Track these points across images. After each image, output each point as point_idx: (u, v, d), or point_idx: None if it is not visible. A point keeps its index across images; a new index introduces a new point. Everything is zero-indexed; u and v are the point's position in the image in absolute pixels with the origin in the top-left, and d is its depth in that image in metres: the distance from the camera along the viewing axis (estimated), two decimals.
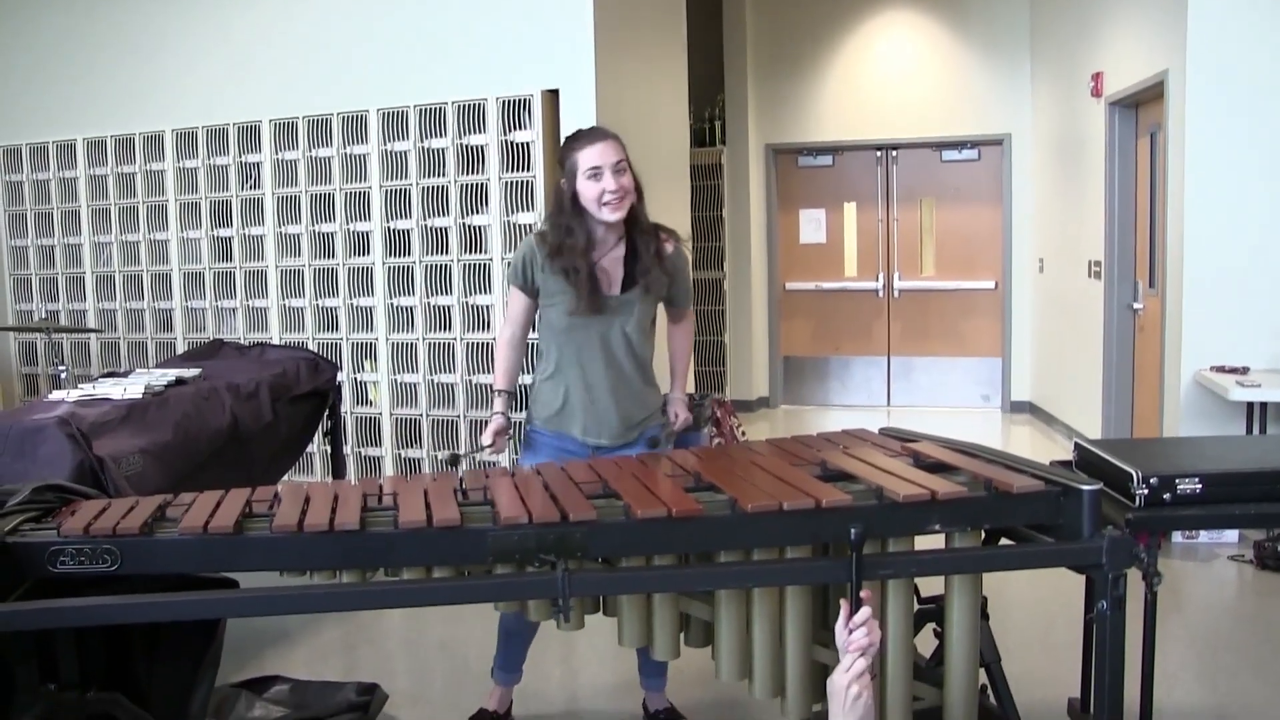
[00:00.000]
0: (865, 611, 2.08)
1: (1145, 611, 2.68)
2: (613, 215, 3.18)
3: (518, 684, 3.58)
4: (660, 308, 3.51)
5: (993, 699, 2.95)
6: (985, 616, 2.76)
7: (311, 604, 2.51)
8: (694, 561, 2.48)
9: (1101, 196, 6.94)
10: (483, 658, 4.13)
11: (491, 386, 3.55)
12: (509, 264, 3.43)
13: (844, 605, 2.10)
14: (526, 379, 3.88)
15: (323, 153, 6.32)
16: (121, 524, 2.33)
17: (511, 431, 3.46)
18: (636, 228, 3.28)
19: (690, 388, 3.63)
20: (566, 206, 3.23)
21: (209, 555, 2.34)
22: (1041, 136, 8.79)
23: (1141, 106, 6.59)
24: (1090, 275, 7.26)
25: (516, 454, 3.53)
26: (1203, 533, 5.39)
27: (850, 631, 2.06)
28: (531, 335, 3.60)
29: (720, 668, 2.55)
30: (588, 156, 3.16)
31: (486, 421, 3.41)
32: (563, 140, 3.35)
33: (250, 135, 6.49)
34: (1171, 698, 3.66)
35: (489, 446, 3.34)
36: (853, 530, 2.20)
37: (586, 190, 3.17)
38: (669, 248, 3.36)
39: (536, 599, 2.45)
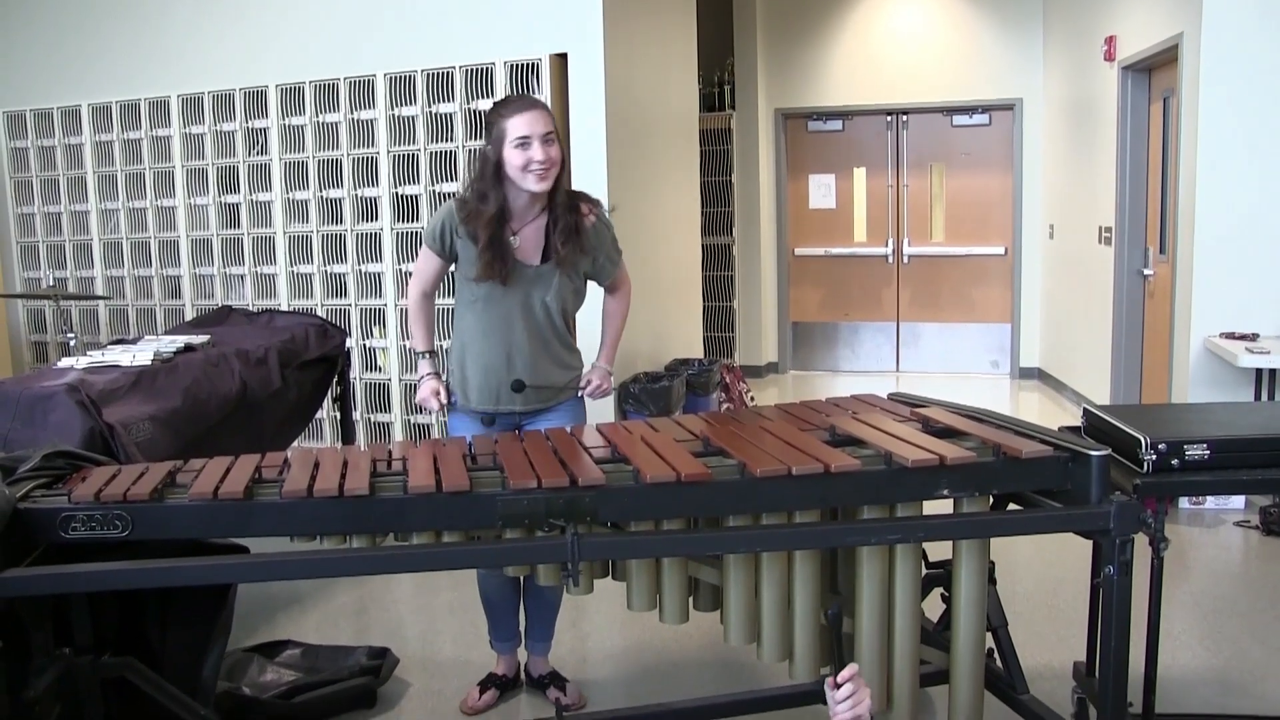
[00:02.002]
0: (851, 669, 2.09)
1: (1151, 576, 2.69)
2: (538, 185, 3.13)
3: (519, 646, 3.62)
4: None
5: (999, 663, 2.97)
6: (993, 581, 2.77)
7: (322, 569, 2.52)
8: (703, 526, 2.49)
9: (1113, 162, 6.90)
10: None
11: (414, 351, 3.53)
12: (426, 229, 3.39)
13: (829, 682, 2.10)
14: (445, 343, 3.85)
15: (330, 118, 6.30)
16: (132, 490, 2.34)
17: (442, 388, 3.41)
18: (556, 198, 3.23)
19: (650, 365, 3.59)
20: (488, 173, 3.17)
21: (219, 521, 2.35)
22: (1053, 101, 8.72)
23: (1155, 71, 6.53)
24: (1101, 241, 7.23)
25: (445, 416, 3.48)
26: (1209, 498, 5.40)
27: (837, 702, 2.07)
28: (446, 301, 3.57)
29: (729, 631, 2.57)
30: (517, 125, 3.09)
31: (415, 386, 3.40)
32: (491, 105, 3.30)
33: (257, 101, 6.47)
34: (1176, 661, 3.68)
35: (428, 409, 3.40)
36: (827, 611, 2.22)
37: (513, 158, 3.11)
38: (589, 220, 3.30)
39: (546, 563, 2.46)
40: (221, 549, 2.76)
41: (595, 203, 3.35)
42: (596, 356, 3.52)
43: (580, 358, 3.47)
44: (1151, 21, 6.22)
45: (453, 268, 3.39)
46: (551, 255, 3.24)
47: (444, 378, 3.43)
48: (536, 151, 3.08)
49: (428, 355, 3.44)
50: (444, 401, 3.36)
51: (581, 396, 3.45)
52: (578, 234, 3.24)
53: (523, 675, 3.67)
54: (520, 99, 3.21)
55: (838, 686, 2.06)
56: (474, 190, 3.21)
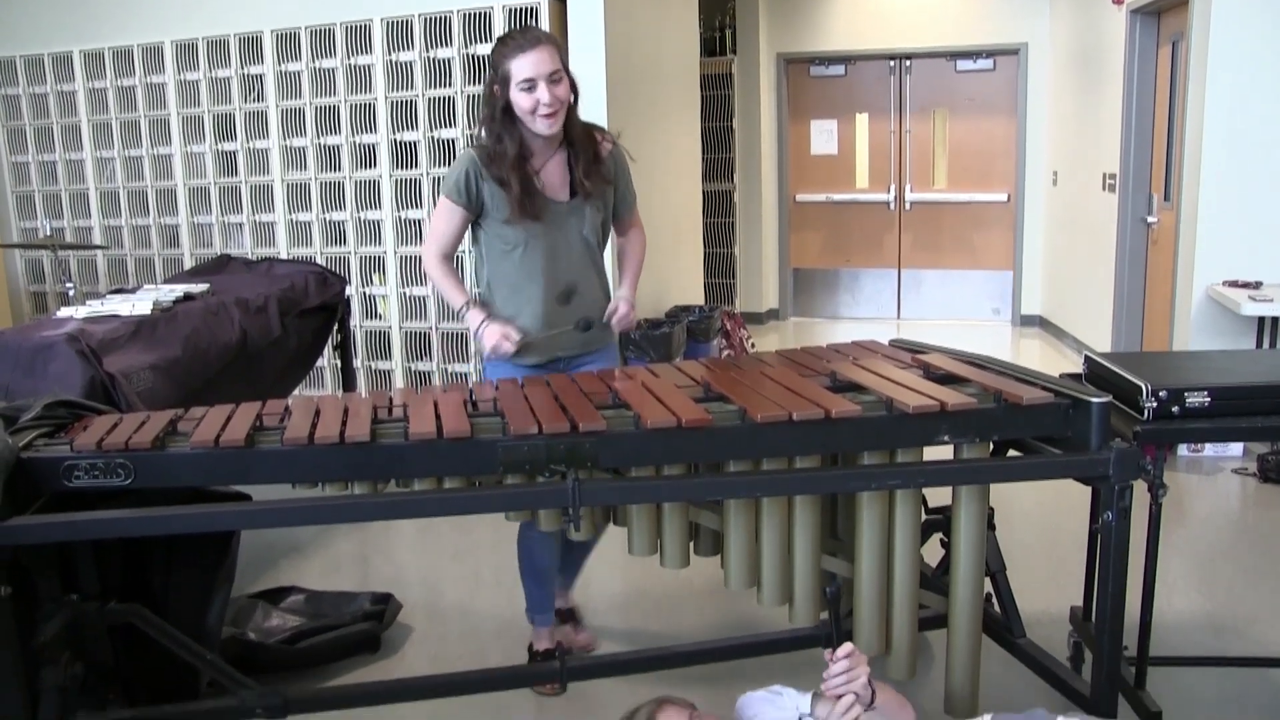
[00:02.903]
0: (847, 647, 2.11)
1: (1149, 522, 2.70)
2: (547, 128, 3.02)
3: (557, 621, 3.49)
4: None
5: (997, 607, 2.99)
6: (992, 527, 2.78)
7: (324, 515, 2.54)
8: (703, 471, 2.50)
9: (1119, 108, 6.83)
10: (494, 567, 4.20)
11: (454, 307, 3.22)
12: (443, 179, 3.19)
13: (827, 655, 2.13)
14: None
15: (326, 64, 6.24)
16: (134, 439, 2.34)
17: (510, 328, 3.13)
18: (572, 133, 3.13)
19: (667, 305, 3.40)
20: (498, 115, 3.05)
21: (221, 469, 2.36)
22: (1059, 46, 8.63)
23: (1164, 14, 6.45)
24: (1104, 188, 7.18)
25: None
26: (1208, 446, 5.41)
27: (832, 676, 2.11)
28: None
29: (729, 576, 2.58)
30: (521, 67, 2.97)
31: (476, 335, 3.13)
32: (495, 42, 3.11)
33: (252, 46, 6.40)
34: (1171, 606, 3.71)
35: (502, 353, 3.10)
36: (827, 589, 2.23)
37: (520, 101, 2.99)
38: (606, 148, 3.21)
39: (547, 509, 2.47)
40: (224, 497, 2.77)
41: (605, 132, 3.27)
42: (618, 289, 3.37)
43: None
44: None
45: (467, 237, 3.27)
46: (578, 188, 3.15)
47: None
48: (543, 93, 2.97)
49: (472, 304, 3.18)
50: (515, 340, 3.09)
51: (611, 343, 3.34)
52: (598, 162, 3.17)
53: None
54: (523, 35, 3.04)
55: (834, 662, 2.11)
56: (490, 133, 3.09)
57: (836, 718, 2.11)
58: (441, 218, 3.18)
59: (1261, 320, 5.14)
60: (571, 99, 3.08)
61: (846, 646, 2.13)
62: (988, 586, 2.77)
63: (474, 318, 3.13)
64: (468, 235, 3.25)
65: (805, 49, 9.58)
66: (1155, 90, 6.58)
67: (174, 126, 6.69)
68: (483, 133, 3.13)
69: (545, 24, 5.68)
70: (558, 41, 3.09)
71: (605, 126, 3.28)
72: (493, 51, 3.08)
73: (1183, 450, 5.46)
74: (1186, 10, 5.68)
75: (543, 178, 3.13)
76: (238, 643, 3.31)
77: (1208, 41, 5.36)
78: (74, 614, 2.58)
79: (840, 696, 2.11)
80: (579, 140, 3.14)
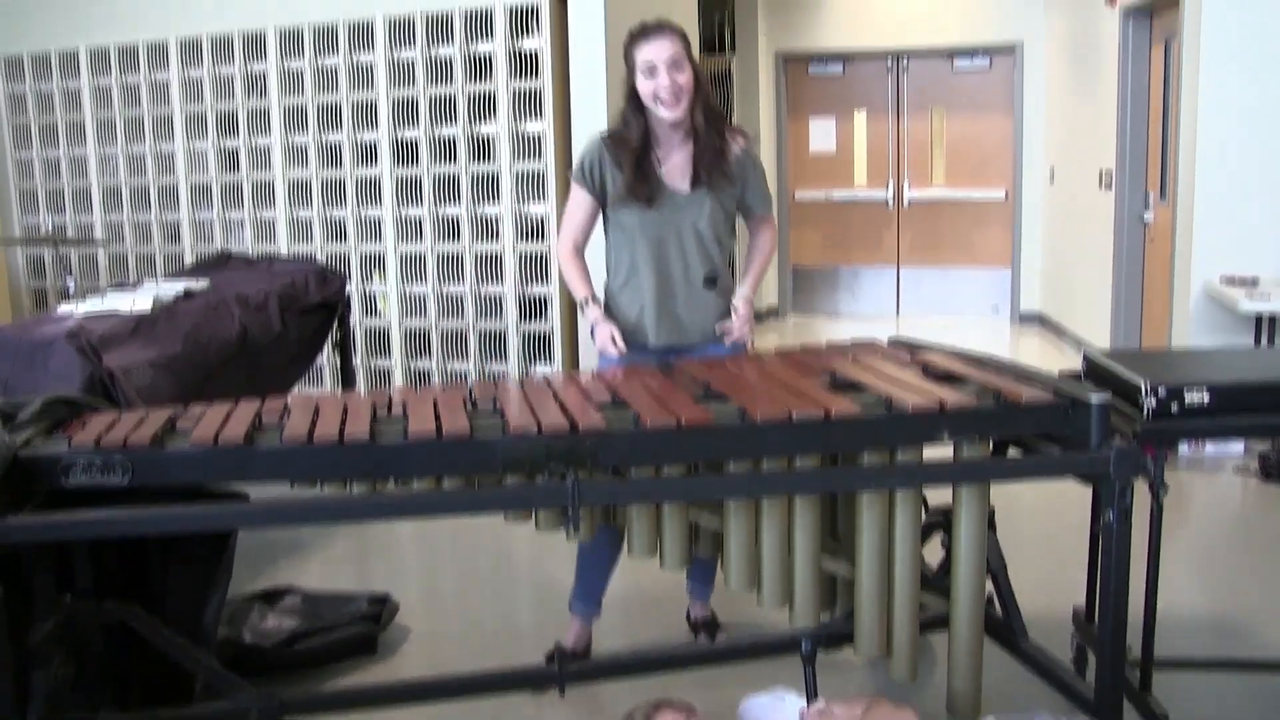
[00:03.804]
0: (819, 705, 2.13)
1: (1151, 522, 2.69)
2: (669, 113, 3.10)
3: (598, 618, 3.44)
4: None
5: (999, 608, 2.98)
6: (992, 527, 2.78)
7: (322, 515, 2.53)
8: (703, 471, 2.50)
9: (1114, 105, 6.84)
10: (492, 567, 4.20)
11: (577, 299, 3.30)
12: (574, 165, 3.31)
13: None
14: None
15: (329, 61, 6.24)
16: (132, 436, 2.33)
17: (617, 331, 3.20)
18: (697, 121, 3.18)
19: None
20: (627, 101, 3.18)
21: (220, 466, 2.35)
22: (1055, 44, 8.63)
23: (1156, 14, 6.45)
24: (1101, 186, 7.18)
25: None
26: (1209, 444, 5.40)
27: None
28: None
29: (729, 577, 2.58)
30: (643, 53, 3.09)
31: (591, 332, 3.23)
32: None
33: (256, 43, 6.40)
34: (1173, 606, 3.70)
35: (608, 354, 3.18)
36: (804, 642, 2.22)
37: (643, 87, 3.10)
38: (736, 146, 3.25)
39: (546, 508, 2.46)
40: (221, 496, 2.76)
41: (739, 130, 3.30)
42: (738, 287, 3.37)
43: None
44: None
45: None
46: (702, 180, 3.20)
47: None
48: (663, 78, 3.06)
49: (591, 300, 3.26)
50: (622, 347, 3.17)
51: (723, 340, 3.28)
52: (722, 158, 3.20)
53: (685, 618, 3.58)
54: (649, 25, 3.15)
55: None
56: (620, 118, 3.21)
57: None
58: (572, 202, 3.31)
59: (1260, 317, 5.14)
60: (694, 89, 3.13)
61: (819, 704, 2.13)
62: (989, 587, 2.76)
63: (592, 313, 3.24)
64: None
65: (804, 47, 9.58)
66: (1150, 88, 6.59)
67: (177, 123, 6.69)
68: (616, 117, 3.25)
69: (546, 22, 5.68)
70: (683, 33, 3.17)
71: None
72: (626, 41, 3.18)
73: (1183, 449, 5.45)
74: (1178, 10, 5.68)
75: (665, 166, 3.21)
76: (233, 645, 3.29)
77: (1199, 41, 5.36)
78: (68, 613, 2.57)
79: None
80: (704, 132, 3.18)
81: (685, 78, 3.10)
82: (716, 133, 3.21)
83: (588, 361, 5.83)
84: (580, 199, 3.28)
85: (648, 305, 3.23)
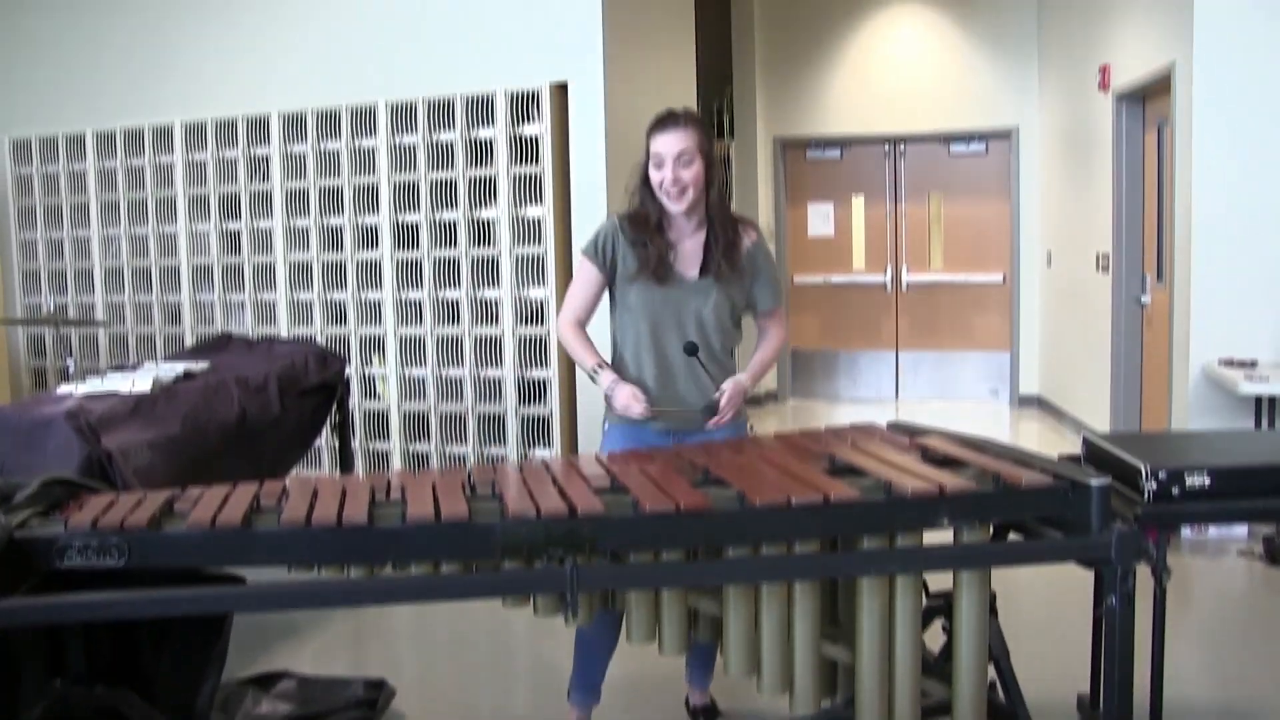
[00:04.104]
0: None
1: (1155, 606, 2.67)
2: (671, 205, 3.14)
3: (597, 705, 3.36)
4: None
5: (1002, 695, 2.95)
6: (994, 612, 2.75)
7: (319, 599, 2.51)
8: (702, 556, 2.48)
9: (1109, 189, 6.92)
10: (490, 652, 4.15)
11: (586, 369, 3.27)
12: (587, 241, 3.31)
13: None
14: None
15: (331, 146, 6.32)
16: (129, 518, 2.32)
17: (638, 390, 3.17)
18: (710, 214, 3.22)
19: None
20: (642, 184, 3.21)
21: (217, 549, 2.34)
22: (1049, 129, 8.76)
23: (1149, 99, 6.56)
24: (1098, 269, 7.24)
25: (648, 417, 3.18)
26: (1212, 527, 5.38)
27: None
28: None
29: (728, 662, 2.55)
30: (656, 143, 3.14)
31: (607, 394, 3.18)
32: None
33: (259, 128, 6.50)
34: (1180, 693, 3.65)
35: (632, 414, 3.13)
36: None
37: (653, 175, 3.15)
38: (746, 241, 3.26)
39: (544, 593, 2.44)
40: (217, 579, 2.74)
41: (750, 224, 3.32)
42: (740, 372, 3.35)
43: None
44: (1144, 50, 6.25)
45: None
46: (710, 269, 3.21)
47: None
48: (668, 172, 3.11)
49: (603, 365, 3.24)
50: (646, 406, 3.13)
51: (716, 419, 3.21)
52: (734, 250, 3.21)
53: (684, 705, 3.56)
54: (666, 116, 3.20)
55: None
56: (637, 198, 3.24)
57: None
58: (577, 279, 3.32)
59: (1259, 399, 5.14)
60: (704, 183, 3.16)
61: None
62: (991, 673, 2.73)
63: (605, 378, 3.20)
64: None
65: (802, 132, 9.72)
66: (1144, 172, 6.68)
67: (180, 205, 6.76)
68: (632, 199, 3.26)
69: (547, 108, 5.76)
70: (700, 124, 3.20)
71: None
72: (648, 125, 3.22)
73: (1186, 532, 5.42)
74: (1169, 95, 5.77)
75: (676, 251, 3.23)
76: None
77: (1191, 125, 5.45)
78: (58, 698, 2.54)
79: None
80: (719, 224, 3.21)
81: (691, 173, 3.12)
82: (729, 225, 3.23)
83: (587, 445, 5.82)
84: (588, 275, 3.28)
85: (650, 386, 3.22)
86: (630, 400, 3.14)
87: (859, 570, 2.45)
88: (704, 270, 3.23)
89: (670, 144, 3.12)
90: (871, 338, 9.88)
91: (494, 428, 6.13)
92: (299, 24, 6.44)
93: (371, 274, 6.33)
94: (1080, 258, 7.76)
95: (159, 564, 2.35)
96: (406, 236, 6.21)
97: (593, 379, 3.25)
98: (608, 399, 3.22)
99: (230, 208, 6.66)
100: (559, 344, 3.35)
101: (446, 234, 6.10)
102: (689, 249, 3.24)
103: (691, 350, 3.19)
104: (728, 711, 3.54)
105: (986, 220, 9.43)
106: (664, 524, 2.34)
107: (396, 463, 6.34)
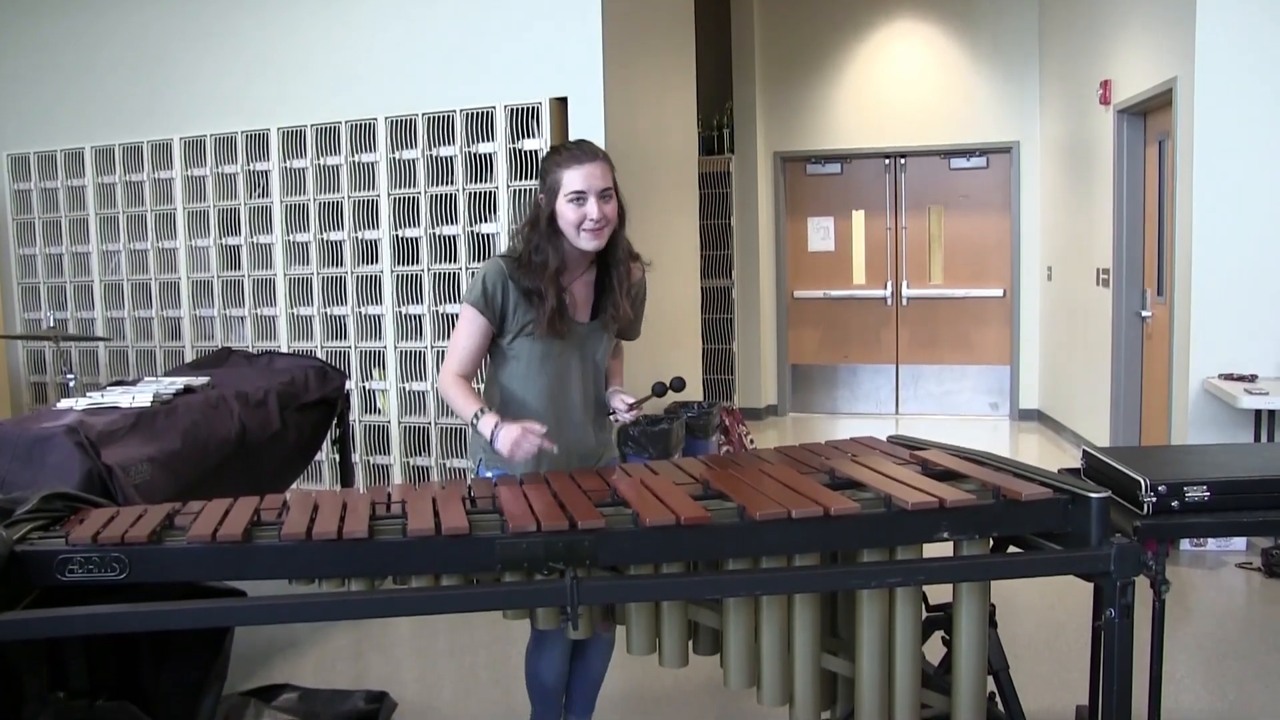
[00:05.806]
0: None
1: (1153, 619, 2.67)
2: (591, 244, 2.90)
3: None
4: None
5: (1001, 707, 2.94)
6: (994, 624, 2.75)
7: (320, 612, 2.51)
8: (702, 569, 2.48)
9: (1110, 204, 6.94)
10: (490, 665, 4.14)
11: (465, 417, 2.94)
12: (472, 289, 3.00)
13: None
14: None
15: (331, 160, 6.34)
16: (130, 532, 2.33)
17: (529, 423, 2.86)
18: (614, 255, 3.00)
19: (698, 395, 3.28)
20: (541, 225, 2.92)
21: (217, 563, 2.34)
22: (1050, 144, 8.78)
23: (1150, 114, 6.58)
24: (1099, 283, 7.25)
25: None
26: (1211, 540, 5.38)
27: None
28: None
29: (728, 675, 2.55)
30: (572, 178, 2.86)
31: (491, 440, 2.83)
32: (547, 151, 2.98)
33: (258, 143, 6.51)
34: (1179, 705, 3.65)
35: (527, 451, 2.80)
36: None
37: (566, 213, 2.87)
38: (636, 275, 3.11)
39: (545, 607, 2.45)
40: (218, 592, 2.74)
41: (638, 259, 3.13)
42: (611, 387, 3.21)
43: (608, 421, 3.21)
44: (1146, 66, 6.27)
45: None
46: (603, 312, 3.04)
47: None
48: (592, 209, 2.86)
49: (484, 411, 2.88)
50: (539, 431, 2.81)
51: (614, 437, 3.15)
52: (627, 288, 3.04)
53: None
54: (578, 148, 2.95)
55: None
56: (528, 242, 2.94)
57: None
58: (463, 330, 3.00)
59: (1259, 413, 5.15)
60: (618, 221, 2.97)
61: None
62: (991, 685, 2.73)
63: (487, 423, 2.84)
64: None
65: (802, 147, 9.74)
66: (1144, 187, 6.69)
67: (179, 221, 6.77)
68: (518, 242, 2.99)
69: (546, 123, 5.78)
70: (611, 160, 2.98)
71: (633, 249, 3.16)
72: (545, 159, 2.99)
73: (1185, 545, 5.43)
74: (1170, 110, 5.79)
75: (570, 294, 3.01)
76: None
77: (1192, 140, 5.46)
78: (60, 711, 2.54)
79: None
80: (621, 265, 3.02)
81: (612, 208, 2.91)
82: (625, 262, 3.04)
83: None
84: (476, 326, 2.98)
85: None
86: (521, 434, 2.78)
87: (859, 583, 2.45)
88: (595, 313, 3.06)
89: (592, 178, 2.87)
90: (872, 351, 9.88)
91: None
92: (298, 39, 6.45)
93: (371, 289, 6.34)
94: (1081, 272, 7.77)
95: (160, 578, 2.36)
96: (406, 251, 6.23)
97: (473, 425, 2.90)
98: (490, 443, 2.86)
99: (229, 223, 6.67)
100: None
101: (446, 249, 6.11)
102: (580, 292, 3.03)
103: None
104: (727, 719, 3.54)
105: (987, 235, 9.45)
106: (664, 537, 2.34)
107: (397, 476, 6.34)
